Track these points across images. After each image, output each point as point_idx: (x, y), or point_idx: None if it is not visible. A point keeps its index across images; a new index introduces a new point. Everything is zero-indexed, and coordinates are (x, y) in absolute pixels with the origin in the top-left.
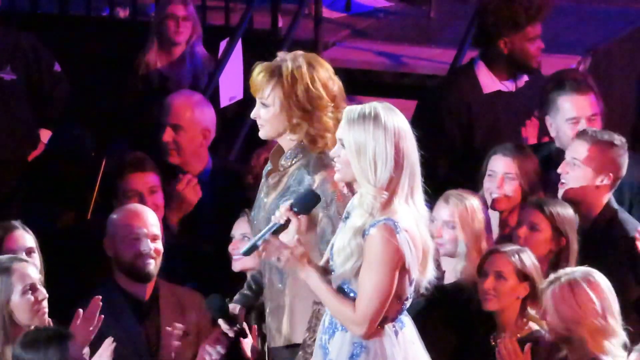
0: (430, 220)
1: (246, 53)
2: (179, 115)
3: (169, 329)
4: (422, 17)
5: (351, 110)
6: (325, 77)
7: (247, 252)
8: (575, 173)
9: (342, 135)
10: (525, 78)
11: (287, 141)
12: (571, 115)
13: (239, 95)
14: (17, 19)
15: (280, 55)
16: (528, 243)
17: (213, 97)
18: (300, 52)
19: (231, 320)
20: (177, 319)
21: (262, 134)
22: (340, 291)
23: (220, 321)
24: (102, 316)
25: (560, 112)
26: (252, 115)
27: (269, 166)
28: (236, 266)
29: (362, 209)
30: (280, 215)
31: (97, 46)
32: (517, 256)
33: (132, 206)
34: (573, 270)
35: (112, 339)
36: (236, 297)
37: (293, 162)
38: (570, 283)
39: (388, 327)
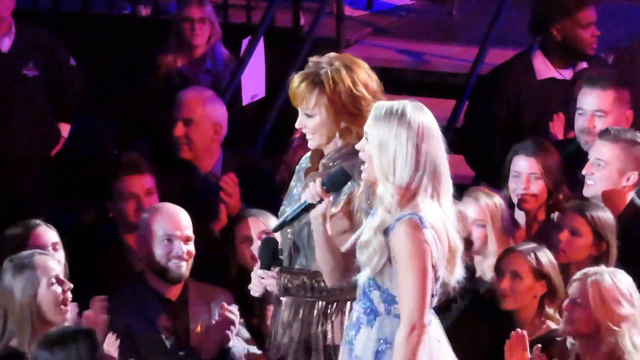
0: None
1: (268, 51)
2: (190, 109)
3: (198, 329)
4: (444, 15)
5: (380, 105)
6: (364, 76)
7: (277, 229)
8: (600, 174)
9: (368, 129)
10: (584, 66)
11: (335, 146)
12: (579, 105)
13: (261, 93)
14: (39, 17)
15: (314, 60)
16: (569, 248)
17: (235, 95)
18: (333, 55)
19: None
20: (205, 318)
21: (312, 144)
22: (369, 286)
23: (261, 271)
24: (106, 317)
25: (575, 104)
26: (297, 125)
27: (304, 163)
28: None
29: (382, 207)
30: (313, 195)
31: (119, 44)
32: (533, 255)
33: (166, 206)
34: (602, 269)
35: (116, 335)
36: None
37: (335, 163)
38: (598, 280)
39: None
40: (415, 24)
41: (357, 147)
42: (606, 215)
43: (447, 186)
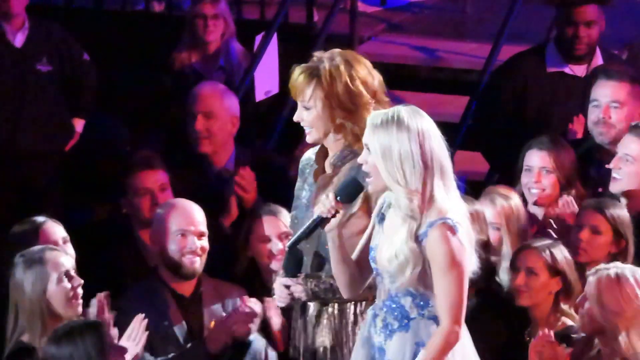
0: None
1: (281, 47)
2: (209, 103)
3: (212, 324)
4: (458, 12)
5: (375, 115)
6: (364, 73)
7: (293, 245)
8: (628, 169)
9: (367, 140)
10: (599, 63)
11: (333, 141)
12: (592, 97)
13: (275, 89)
14: (52, 13)
15: (317, 55)
16: (590, 246)
17: (248, 92)
18: (337, 50)
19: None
20: (219, 314)
21: (310, 138)
22: (399, 292)
23: (286, 280)
24: (113, 314)
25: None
26: (295, 118)
27: (307, 164)
28: (276, 266)
29: (402, 213)
30: (328, 209)
31: (132, 40)
32: (548, 251)
33: (180, 202)
34: (621, 265)
35: (143, 316)
36: None
37: (343, 162)
38: (617, 275)
39: None
40: (428, 21)
41: (359, 160)
42: (623, 213)
43: (453, 183)
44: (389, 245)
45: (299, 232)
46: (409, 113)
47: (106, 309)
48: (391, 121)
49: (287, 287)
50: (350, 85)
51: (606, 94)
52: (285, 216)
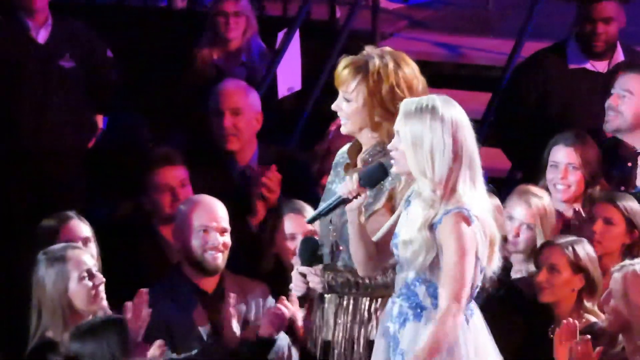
0: (507, 217)
1: (304, 44)
2: (236, 100)
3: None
4: (480, 8)
5: (408, 102)
6: (411, 77)
7: (312, 221)
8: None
9: (399, 127)
10: (620, 60)
11: (368, 138)
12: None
13: (297, 86)
14: (75, 9)
15: (368, 50)
16: (604, 238)
17: (271, 88)
18: (388, 49)
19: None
20: (242, 311)
21: (344, 129)
22: (415, 280)
23: (303, 268)
24: (150, 309)
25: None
26: (333, 107)
27: (341, 158)
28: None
29: (423, 202)
30: (349, 190)
31: (155, 37)
32: (571, 248)
33: (203, 198)
34: None
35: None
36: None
37: (374, 158)
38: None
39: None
40: (451, 17)
41: (389, 147)
42: (635, 204)
43: (481, 177)
44: (406, 232)
45: (319, 209)
46: (443, 102)
47: (145, 306)
48: (425, 110)
49: (304, 275)
50: (396, 87)
51: (623, 81)
52: (309, 213)
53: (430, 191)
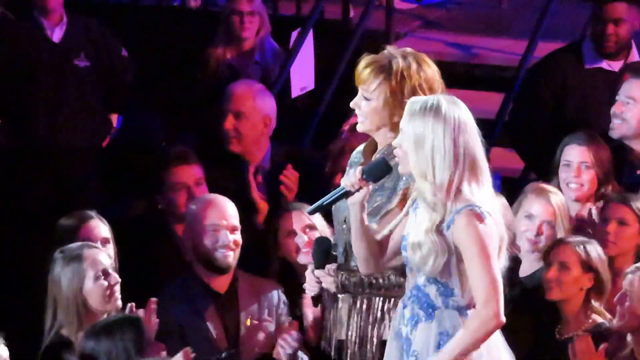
0: (526, 216)
1: (317, 43)
2: (240, 102)
3: (248, 322)
4: (494, 8)
5: (414, 101)
6: (432, 79)
7: (313, 212)
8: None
9: (404, 125)
10: (636, 59)
11: (384, 137)
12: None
13: (310, 85)
14: (89, 8)
15: (390, 49)
16: (618, 238)
17: (284, 88)
18: (409, 50)
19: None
20: (255, 310)
21: (361, 127)
22: (428, 282)
23: (317, 271)
24: (158, 320)
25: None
26: (352, 104)
27: (356, 157)
28: (302, 259)
29: (427, 206)
30: (352, 183)
31: (168, 36)
32: (582, 247)
33: (212, 197)
34: None
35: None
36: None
37: (390, 158)
38: None
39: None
40: (464, 17)
41: (394, 143)
42: None
43: (487, 178)
44: (414, 235)
45: (321, 200)
46: (449, 103)
47: (154, 316)
48: (429, 110)
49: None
50: (418, 88)
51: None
52: (306, 208)
53: (432, 195)
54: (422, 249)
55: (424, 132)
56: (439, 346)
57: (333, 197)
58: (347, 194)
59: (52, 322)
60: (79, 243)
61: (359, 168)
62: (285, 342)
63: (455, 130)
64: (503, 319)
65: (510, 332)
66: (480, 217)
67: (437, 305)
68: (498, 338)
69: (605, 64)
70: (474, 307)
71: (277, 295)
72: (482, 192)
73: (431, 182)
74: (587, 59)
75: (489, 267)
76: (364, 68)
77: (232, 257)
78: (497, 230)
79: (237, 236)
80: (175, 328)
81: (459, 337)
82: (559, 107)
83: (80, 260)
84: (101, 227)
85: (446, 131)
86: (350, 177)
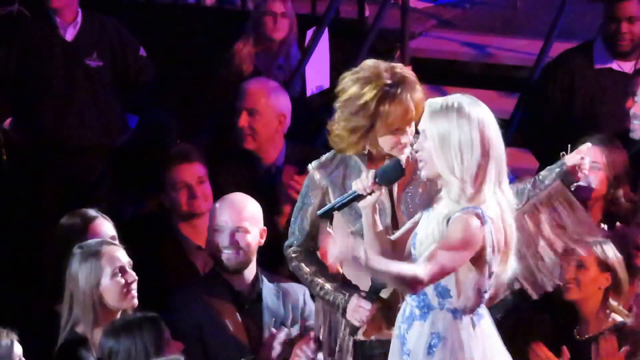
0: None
1: (332, 42)
2: (254, 100)
3: (273, 330)
4: (509, 8)
5: (433, 102)
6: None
7: (324, 215)
8: None
9: (425, 126)
10: None
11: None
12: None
13: (325, 84)
14: (103, 6)
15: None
16: None
17: (299, 87)
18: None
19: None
20: (279, 313)
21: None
22: None
23: (367, 302)
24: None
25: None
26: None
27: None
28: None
29: (449, 199)
30: (364, 187)
31: (184, 34)
32: (599, 246)
33: (228, 196)
34: None
35: None
36: None
37: None
38: None
39: (466, 318)
40: (479, 17)
41: (415, 147)
42: None
43: (506, 173)
44: (424, 231)
45: (332, 203)
46: (469, 102)
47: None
48: (451, 108)
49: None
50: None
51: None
52: None
53: (459, 190)
54: (429, 238)
55: (449, 129)
56: (430, 347)
57: (345, 200)
58: (358, 197)
59: (68, 318)
60: (96, 239)
61: (372, 171)
62: (302, 352)
63: (480, 125)
64: (418, 290)
65: (529, 333)
66: (480, 219)
67: (433, 305)
68: (495, 344)
69: (615, 65)
70: (469, 311)
71: (302, 298)
72: (502, 189)
73: (460, 176)
74: (597, 59)
75: (451, 256)
76: None
77: (234, 259)
78: (501, 236)
79: (241, 236)
80: (194, 328)
81: (390, 262)
82: (568, 107)
83: (98, 256)
84: (107, 225)
85: (472, 126)
86: (362, 181)
